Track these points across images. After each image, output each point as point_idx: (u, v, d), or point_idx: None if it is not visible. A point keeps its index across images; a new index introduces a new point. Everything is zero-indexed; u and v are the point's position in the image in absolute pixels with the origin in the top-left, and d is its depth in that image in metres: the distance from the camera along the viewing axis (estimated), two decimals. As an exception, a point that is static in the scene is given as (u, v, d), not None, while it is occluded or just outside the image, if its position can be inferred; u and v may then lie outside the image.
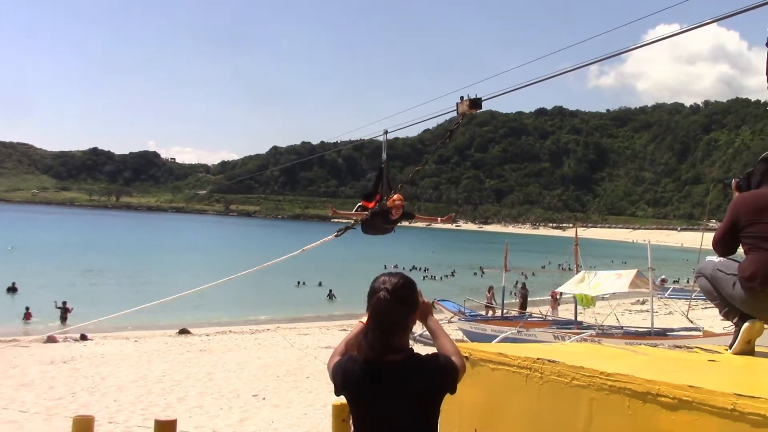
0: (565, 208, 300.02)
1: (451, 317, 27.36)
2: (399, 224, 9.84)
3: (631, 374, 2.90)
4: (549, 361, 3.32)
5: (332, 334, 24.88)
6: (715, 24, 3.10)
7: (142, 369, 16.76)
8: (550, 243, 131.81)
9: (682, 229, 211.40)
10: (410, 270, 58.40)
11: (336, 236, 11.00)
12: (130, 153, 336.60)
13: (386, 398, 2.64)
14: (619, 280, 21.54)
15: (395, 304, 2.67)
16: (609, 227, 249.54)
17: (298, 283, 48.25)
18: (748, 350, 3.72)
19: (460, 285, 50.74)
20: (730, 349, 3.92)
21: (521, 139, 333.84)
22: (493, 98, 7.85)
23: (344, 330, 25.09)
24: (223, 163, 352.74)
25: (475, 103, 7.62)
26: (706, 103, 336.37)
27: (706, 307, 28.52)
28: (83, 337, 23.39)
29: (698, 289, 4.31)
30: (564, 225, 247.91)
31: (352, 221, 10.34)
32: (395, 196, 9.42)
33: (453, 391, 2.75)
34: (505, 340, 18.60)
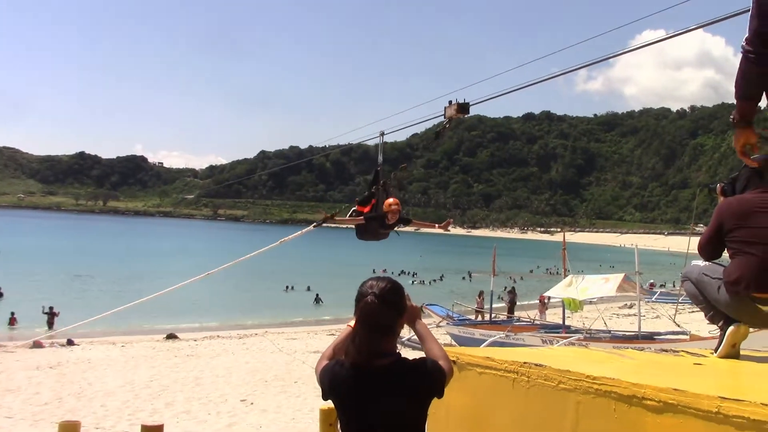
0: (553, 213, 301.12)
1: (440, 322, 27.37)
2: (395, 229, 9.62)
3: (617, 378, 2.92)
4: (535, 364, 3.33)
5: (320, 339, 24.86)
6: (700, 30, 3.12)
7: (129, 374, 16.69)
8: (539, 247, 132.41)
9: (669, 234, 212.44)
10: (399, 274, 58.45)
11: (314, 227, 10.98)
12: (117, 157, 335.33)
13: (374, 402, 2.64)
14: (606, 284, 21.64)
15: (383, 309, 2.68)
16: (597, 231, 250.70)
17: (287, 287, 48.22)
18: (733, 354, 3.75)
19: (449, 289, 50.81)
20: (716, 352, 3.95)
21: (509, 144, 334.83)
22: (481, 103, 7.89)
23: (332, 334, 25.06)
24: (211, 168, 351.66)
25: (463, 107, 7.67)
26: (693, 108, 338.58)
27: (693, 311, 28.67)
28: (70, 342, 23.26)
29: (685, 293, 4.34)
30: (552, 229, 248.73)
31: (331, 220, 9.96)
32: (391, 200, 9.26)
33: (440, 395, 2.75)
34: (494, 344, 18.63)
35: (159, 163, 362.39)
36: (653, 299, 35.72)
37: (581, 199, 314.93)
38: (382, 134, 9.91)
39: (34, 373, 16.57)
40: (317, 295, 42.64)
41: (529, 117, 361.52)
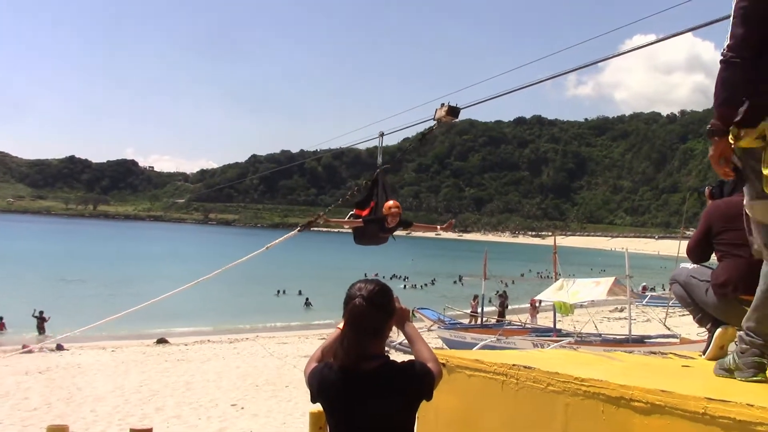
0: (544, 217, 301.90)
1: (431, 325, 27.35)
2: (395, 233, 9.23)
3: (606, 379, 2.93)
4: (525, 367, 3.35)
5: (312, 343, 24.80)
6: (690, 34, 3.13)
7: (120, 379, 16.60)
8: (530, 251, 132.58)
9: (659, 237, 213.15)
10: (390, 278, 58.45)
11: (299, 231, 10.84)
12: (108, 161, 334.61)
13: (362, 405, 2.64)
14: (597, 287, 21.68)
15: (371, 311, 2.68)
16: (587, 235, 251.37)
17: (278, 291, 48.13)
18: (721, 356, 3.76)
19: (440, 293, 50.82)
20: (704, 354, 3.97)
21: (500, 148, 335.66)
22: (473, 106, 7.91)
23: (323, 338, 24.89)
24: (202, 172, 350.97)
25: (453, 110, 7.67)
26: (683, 112, 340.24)
27: (684, 315, 28.74)
28: (59, 347, 23.12)
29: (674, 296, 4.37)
30: (543, 233, 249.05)
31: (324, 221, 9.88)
32: (391, 203, 8.84)
33: (429, 397, 2.75)
34: (485, 348, 18.63)
35: (150, 167, 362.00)
36: (644, 303, 35.84)
37: (572, 203, 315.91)
38: (382, 135, 9.55)
39: (23, 378, 16.47)
40: (307, 299, 42.59)
41: (520, 121, 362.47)
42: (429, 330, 26.40)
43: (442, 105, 7.92)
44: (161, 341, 25.66)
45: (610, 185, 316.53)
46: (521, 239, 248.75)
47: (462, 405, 3.72)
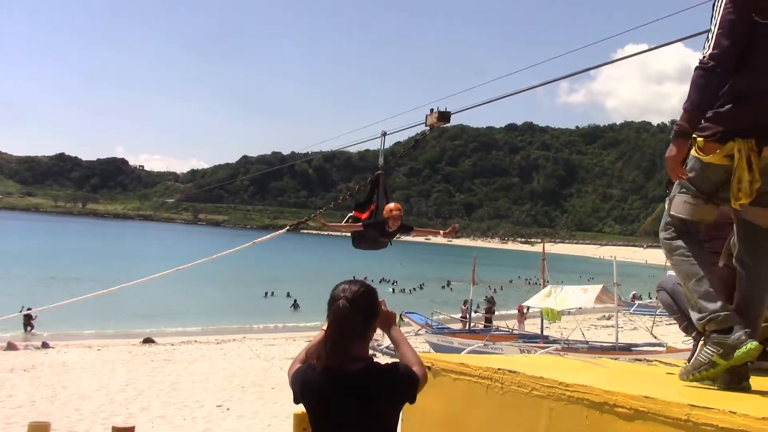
0: (533, 223, 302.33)
1: (419, 330, 27.39)
2: (396, 238, 8.87)
3: (590, 385, 2.94)
4: (509, 371, 3.35)
5: (299, 345, 24.76)
6: (681, 45, 3.18)
7: (105, 378, 16.54)
8: (519, 257, 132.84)
9: (647, 246, 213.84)
10: (379, 282, 58.47)
11: (288, 230, 10.75)
12: (98, 159, 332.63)
13: (345, 407, 2.64)
14: (585, 295, 21.80)
15: (355, 313, 2.67)
16: (577, 243, 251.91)
17: (266, 293, 48.05)
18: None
19: (429, 298, 50.85)
20: (689, 362, 3.99)
21: (491, 154, 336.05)
22: (464, 112, 7.92)
23: (310, 341, 25.02)
24: (193, 172, 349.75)
25: (444, 116, 7.67)
26: (673, 122, 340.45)
27: (670, 324, 28.86)
28: (45, 345, 23.03)
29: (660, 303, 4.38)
30: (532, 240, 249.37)
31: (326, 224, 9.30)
32: (392, 206, 8.48)
33: (412, 400, 2.75)
34: (472, 353, 18.67)
35: (140, 166, 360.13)
36: (631, 311, 35.99)
37: (562, 211, 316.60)
38: (384, 135, 9.19)
39: (8, 375, 16.39)
40: (295, 300, 42.52)
41: (511, 127, 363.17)
42: (416, 334, 26.43)
43: (432, 111, 7.92)
44: (148, 341, 25.57)
45: (599, 193, 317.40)
46: (510, 245, 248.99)
47: (447, 408, 3.73)
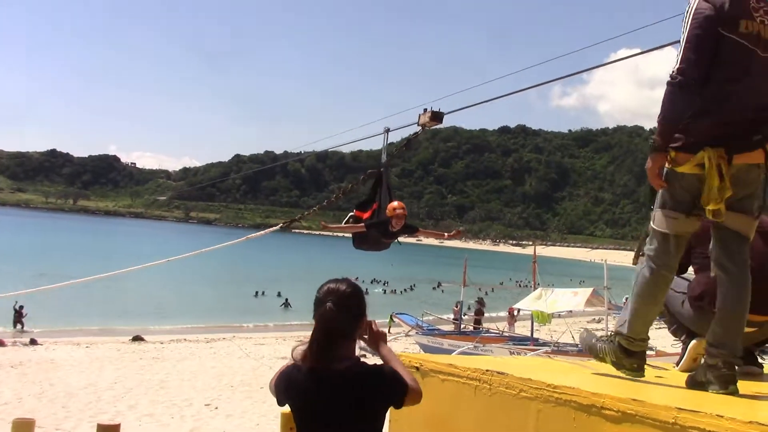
0: (525, 226, 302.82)
1: (409, 331, 27.39)
2: (399, 239, 8.40)
3: (578, 387, 2.94)
4: (498, 372, 3.35)
5: (289, 345, 24.62)
6: (674, 50, 3.27)
7: (93, 376, 16.47)
8: (510, 260, 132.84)
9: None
10: (370, 282, 58.52)
11: (282, 227, 10.63)
12: (90, 156, 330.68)
13: (328, 406, 2.62)
14: (575, 297, 21.85)
15: (341, 314, 2.65)
16: (568, 246, 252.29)
17: (257, 293, 47.96)
18: (694, 367, 3.78)
19: (419, 299, 50.88)
20: (677, 366, 3.99)
21: (484, 156, 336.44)
22: (457, 113, 7.92)
23: (300, 341, 24.99)
24: (185, 170, 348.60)
25: (437, 115, 7.65)
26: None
27: (660, 327, 28.94)
28: (33, 342, 22.92)
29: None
30: (524, 242, 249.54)
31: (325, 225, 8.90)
32: (396, 204, 8.06)
33: (398, 405, 2.72)
34: (462, 355, 18.67)
35: (132, 163, 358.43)
36: (621, 314, 36.06)
37: (553, 213, 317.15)
38: (387, 131, 8.79)
39: (-5, 372, 16.30)
40: (287, 299, 42.45)
41: (504, 130, 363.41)
42: (407, 335, 26.42)
43: (425, 110, 7.89)
44: (137, 339, 25.49)
45: (591, 197, 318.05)
46: (502, 248, 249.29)
47: (435, 409, 3.72)
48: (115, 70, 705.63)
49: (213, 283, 51.46)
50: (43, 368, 17.23)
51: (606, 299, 21.99)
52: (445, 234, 9.47)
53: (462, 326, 28.15)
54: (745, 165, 3.18)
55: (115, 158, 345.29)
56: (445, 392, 3.66)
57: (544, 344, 22.10)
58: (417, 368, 3.81)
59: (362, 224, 8.33)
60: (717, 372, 3.15)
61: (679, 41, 3.24)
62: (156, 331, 29.13)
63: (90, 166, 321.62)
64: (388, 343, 2.92)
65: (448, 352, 20.11)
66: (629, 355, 3.40)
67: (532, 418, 3.10)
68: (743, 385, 3.23)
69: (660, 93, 3.26)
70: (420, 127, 7.98)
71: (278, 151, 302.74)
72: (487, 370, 3.42)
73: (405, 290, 58.50)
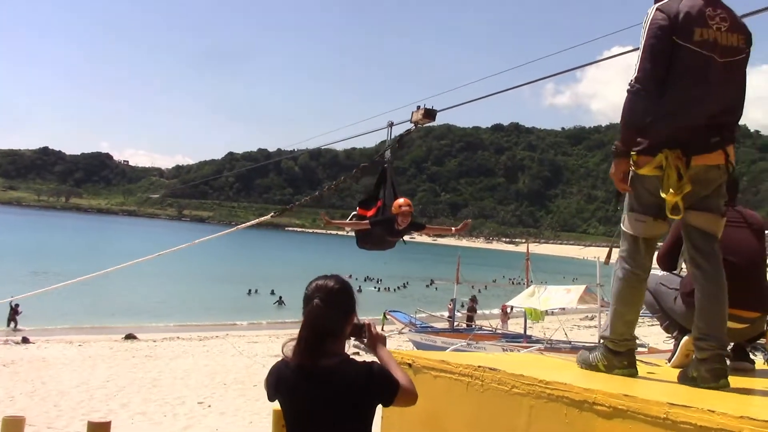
0: (518, 223, 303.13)
1: (402, 328, 27.40)
2: (406, 236, 7.95)
3: (570, 383, 2.94)
4: (490, 368, 3.35)
5: (282, 343, 24.71)
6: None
7: (86, 374, 16.42)
8: (503, 257, 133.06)
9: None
10: (364, 280, 58.55)
11: (272, 217, 10.57)
12: (82, 154, 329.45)
13: (316, 402, 2.61)
14: (568, 295, 21.87)
15: (329, 311, 2.64)
16: (561, 243, 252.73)
17: (250, 291, 47.90)
18: (686, 363, 3.79)
19: (413, 296, 50.90)
20: (669, 362, 4.00)
21: (477, 154, 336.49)
22: (451, 111, 7.91)
23: (294, 339, 24.94)
24: (178, 168, 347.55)
25: (430, 113, 7.63)
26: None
27: (653, 324, 29.03)
28: (25, 340, 22.84)
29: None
30: (517, 240, 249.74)
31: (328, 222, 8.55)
32: (401, 201, 7.65)
33: (387, 403, 2.70)
34: (455, 352, 18.67)
35: (124, 161, 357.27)
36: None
37: (547, 211, 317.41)
38: (391, 125, 8.40)
39: (-13, 370, 16.24)
40: (280, 297, 42.41)
41: (498, 128, 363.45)
42: (400, 333, 26.43)
43: (419, 108, 7.87)
44: (130, 337, 25.43)
45: (584, 194, 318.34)
46: (495, 245, 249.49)
47: (427, 406, 3.71)
48: (107, 67, 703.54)
49: (206, 282, 51.33)
50: (35, 367, 17.18)
51: (599, 296, 22.02)
52: (452, 229, 8.98)
53: (455, 324, 28.16)
54: (704, 166, 3.30)
55: (108, 156, 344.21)
56: (437, 388, 3.65)
57: (537, 341, 22.12)
58: (409, 365, 3.81)
59: (367, 221, 7.94)
60: (707, 366, 3.18)
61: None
62: (149, 329, 29.06)
63: (82, 163, 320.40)
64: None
65: (441, 349, 20.07)
66: (617, 355, 3.47)
67: (524, 413, 3.10)
68: (735, 381, 3.24)
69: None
70: (413, 125, 7.94)
71: (271, 148, 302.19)
72: (479, 366, 3.42)
73: (398, 288, 58.52)
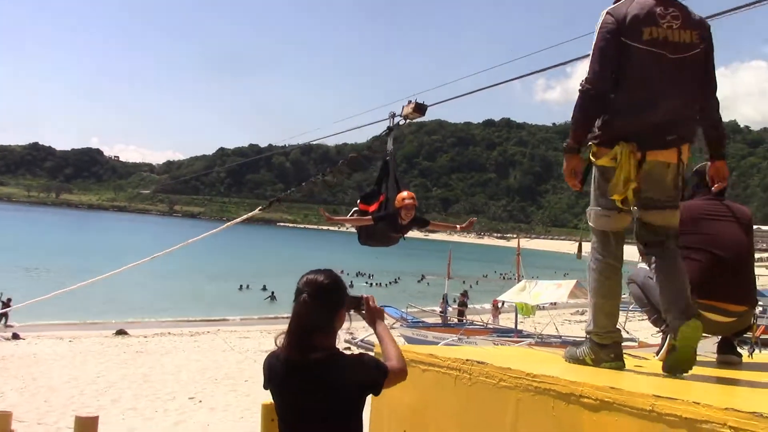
0: (509, 219, 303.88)
1: (393, 323, 27.41)
2: (409, 232, 7.62)
3: (557, 376, 2.95)
4: (477, 362, 3.37)
5: (275, 335, 24.69)
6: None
7: (76, 370, 16.38)
8: (495, 252, 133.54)
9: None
10: (356, 275, 58.54)
11: (261, 210, 10.51)
12: (72, 149, 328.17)
13: (306, 394, 2.62)
14: (559, 289, 21.91)
15: (318, 307, 2.65)
16: (552, 239, 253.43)
17: (241, 286, 47.84)
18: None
19: (404, 291, 50.94)
20: (657, 355, 4.02)
21: (469, 149, 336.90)
22: (442, 106, 7.91)
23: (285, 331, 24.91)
24: (169, 163, 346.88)
25: (420, 107, 7.61)
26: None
27: (643, 319, 29.15)
28: (15, 336, 22.76)
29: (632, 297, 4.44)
30: (508, 235, 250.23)
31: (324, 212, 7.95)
32: (405, 194, 7.27)
33: (376, 392, 2.73)
34: (446, 346, 18.70)
35: (115, 156, 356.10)
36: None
37: (538, 207, 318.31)
38: (393, 116, 8.02)
39: (-23, 366, 16.18)
40: (272, 293, 42.39)
41: (489, 123, 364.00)
42: (391, 328, 26.42)
43: (409, 102, 7.85)
44: (120, 333, 25.38)
45: (575, 190, 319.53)
46: (486, 240, 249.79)
47: (415, 399, 3.73)
48: (97, 63, 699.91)
49: (197, 277, 51.25)
50: (26, 363, 17.13)
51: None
52: (458, 226, 8.54)
53: (447, 318, 28.20)
54: (657, 162, 3.42)
55: (98, 151, 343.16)
56: (425, 382, 3.67)
57: (528, 336, 22.18)
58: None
59: (369, 217, 7.57)
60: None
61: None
62: (140, 325, 29.00)
63: (72, 159, 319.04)
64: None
65: (433, 344, 20.13)
66: (603, 347, 3.51)
67: (512, 406, 3.12)
68: (720, 373, 3.26)
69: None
70: (403, 119, 7.92)
71: (263, 144, 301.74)
72: (467, 360, 3.44)
73: (390, 283, 58.59)
